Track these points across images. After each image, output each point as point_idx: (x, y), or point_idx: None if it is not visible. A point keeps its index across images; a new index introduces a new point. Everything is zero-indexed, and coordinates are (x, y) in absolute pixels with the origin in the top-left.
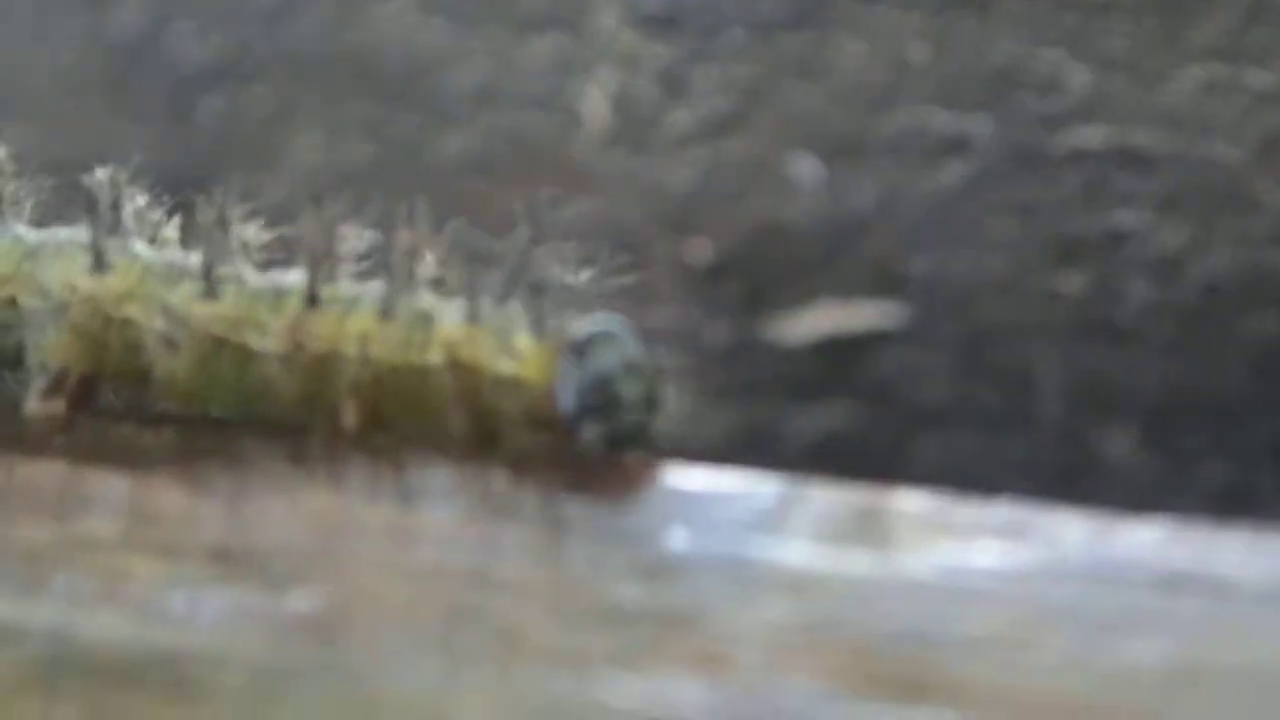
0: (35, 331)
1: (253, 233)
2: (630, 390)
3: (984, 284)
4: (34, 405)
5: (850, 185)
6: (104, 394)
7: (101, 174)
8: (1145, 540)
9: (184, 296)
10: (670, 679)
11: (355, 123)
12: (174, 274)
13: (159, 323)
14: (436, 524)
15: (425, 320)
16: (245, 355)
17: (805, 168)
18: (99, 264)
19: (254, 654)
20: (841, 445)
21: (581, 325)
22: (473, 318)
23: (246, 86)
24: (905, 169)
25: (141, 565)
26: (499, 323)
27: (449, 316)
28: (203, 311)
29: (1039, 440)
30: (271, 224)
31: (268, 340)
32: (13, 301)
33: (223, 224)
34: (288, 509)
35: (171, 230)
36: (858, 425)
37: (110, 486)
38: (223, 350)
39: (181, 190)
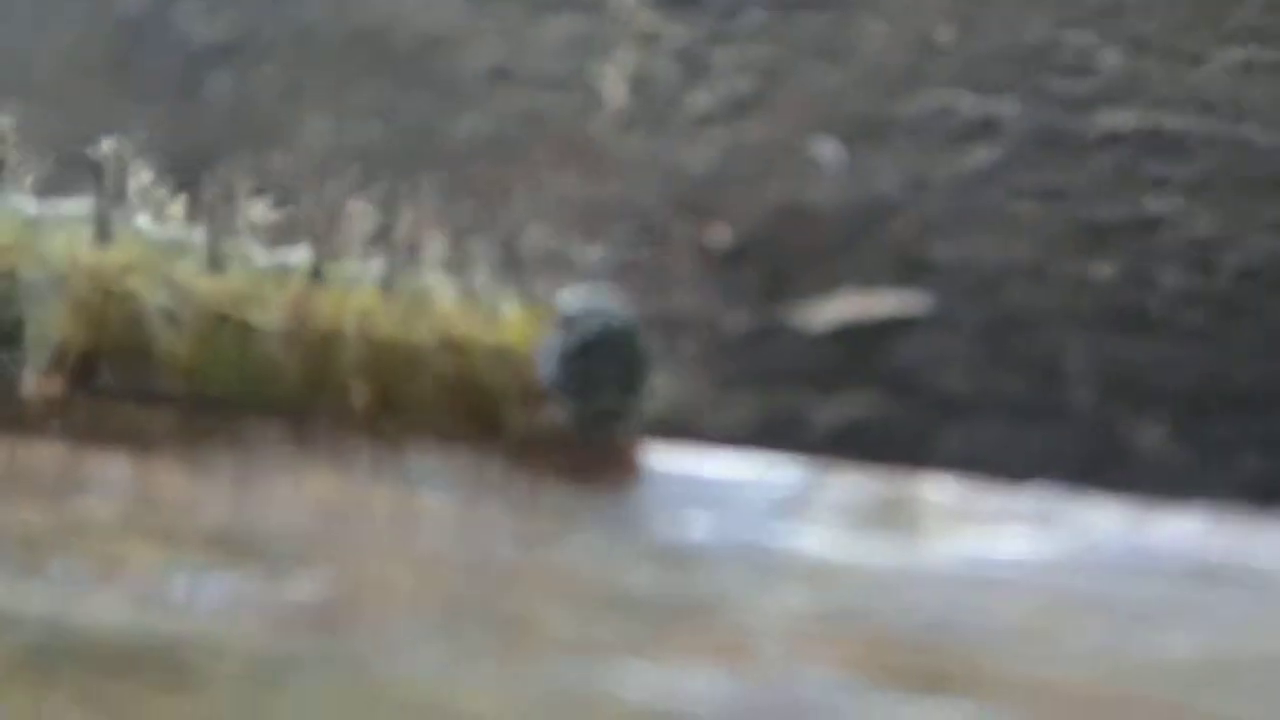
0: (35, 305)
1: (258, 209)
2: (611, 365)
3: (1011, 270)
4: (32, 383)
5: (873, 168)
6: (104, 372)
7: (106, 146)
8: (1178, 530)
9: (187, 271)
10: (685, 669)
11: (366, 102)
12: (178, 249)
13: (161, 297)
14: (442, 509)
15: (422, 298)
16: (247, 332)
17: (827, 150)
18: (102, 236)
19: (254, 642)
20: (864, 434)
21: (569, 297)
22: (467, 293)
23: (255, 65)
24: (930, 152)
25: (140, 550)
26: (493, 297)
27: (445, 293)
28: (206, 287)
29: (1067, 430)
30: (279, 202)
31: (270, 317)
32: (12, 273)
33: (228, 200)
34: (290, 493)
35: (176, 206)
36: (881, 413)
37: (109, 468)
38: (225, 327)
39: (189, 168)
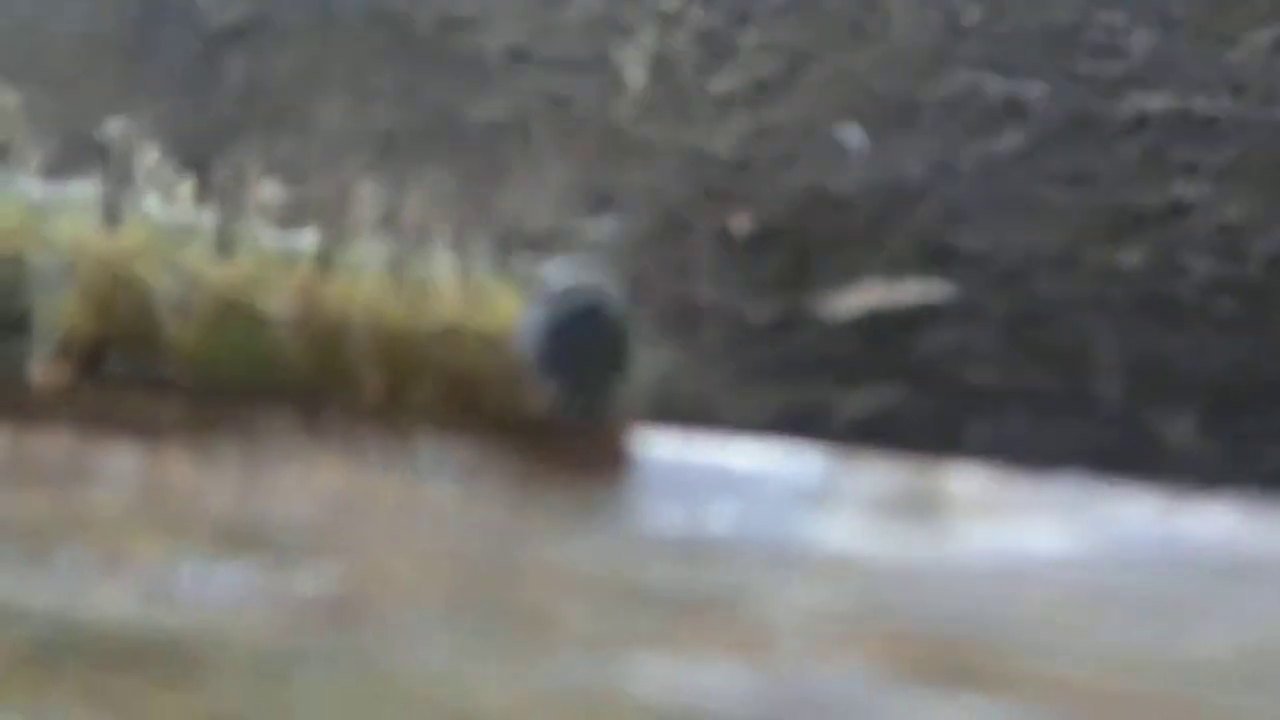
0: (41, 291)
1: (270, 193)
2: (589, 343)
3: (1038, 257)
4: (38, 371)
5: (899, 153)
6: (112, 360)
7: (115, 127)
8: (1209, 523)
9: (195, 257)
10: (703, 664)
11: (384, 85)
12: (186, 233)
13: (169, 283)
14: (454, 500)
15: (423, 283)
16: (255, 320)
17: (852, 135)
18: (110, 220)
19: (262, 635)
20: (888, 424)
21: (552, 272)
22: (466, 277)
23: (272, 47)
24: (957, 136)
25: (146, 541)
26: (493, 282)
27: (445, 278)
28: (214, 273)
29: (1095, 422)
30: (294, 186)
31: (278, 304)
32: (18, 259)
33: (239, 183)
34: (300, 484)
35: (186, 189)
36: (906, 404)
37: (116, 458)
38: (233, 314)
39: (204, 151)
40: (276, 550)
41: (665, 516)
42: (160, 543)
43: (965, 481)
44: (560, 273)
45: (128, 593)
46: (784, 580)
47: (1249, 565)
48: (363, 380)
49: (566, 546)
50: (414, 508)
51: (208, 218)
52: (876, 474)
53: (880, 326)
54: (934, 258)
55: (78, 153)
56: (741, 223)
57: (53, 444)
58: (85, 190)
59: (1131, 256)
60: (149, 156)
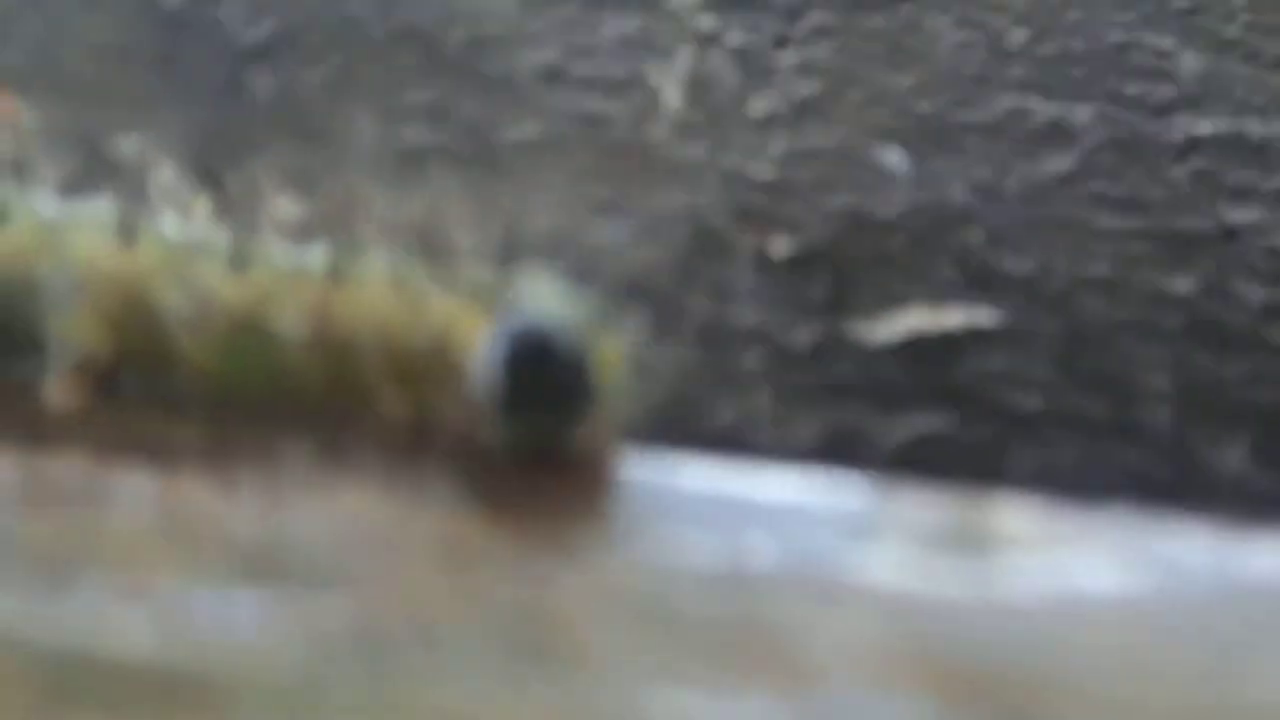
0: (56, 310)
1: (292, 209)
2: (547, 381)
3: (1085, 283)
4: (53, 391)
5: (942, 176)
6: (128, 380)
7: (130, 144)
8: (1268, 556)
9: (209, 274)
10: (746, 700)
11: (414, 103)
12: (201, 250)
13: (182, 301)
14: (484, 525)
15: (419, 299)
16: (269, 337)
17: (893, 157)
18: (124, 238)
19: (286, 664)
20: (931, 452)
21: (519, 291)
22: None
23: (300, 63)
24: (1002, 159)
25: (164, 569)
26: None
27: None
28: (228, 291)
29: (1144, 450)
30: (318, 203)
31: (289, 322)
32: (32, 277)
33: (254, 197)
34: (324, 508)
35: (203, 205)
36: (948, 431)
37: (132, 482)
38: (246, 332)
39: (228, 169)
40: (298, 579)
41: (703, 547)
42: (178, 571)
43: (1014, 513)
44: (525, 300)
45: (145, 623)
46: (827, 615)
47: None
48: (377, 397)
49: (599, 576)
50: (438, 535)
51: (225, 234)
52: (922, 505)
53: (923, 352)
54: (978, 282)
55: (98, 169)
56: (780, 246)
57: (67, 467)
58: (101, 207)
59: (1181, 282)
60: (166, 173)
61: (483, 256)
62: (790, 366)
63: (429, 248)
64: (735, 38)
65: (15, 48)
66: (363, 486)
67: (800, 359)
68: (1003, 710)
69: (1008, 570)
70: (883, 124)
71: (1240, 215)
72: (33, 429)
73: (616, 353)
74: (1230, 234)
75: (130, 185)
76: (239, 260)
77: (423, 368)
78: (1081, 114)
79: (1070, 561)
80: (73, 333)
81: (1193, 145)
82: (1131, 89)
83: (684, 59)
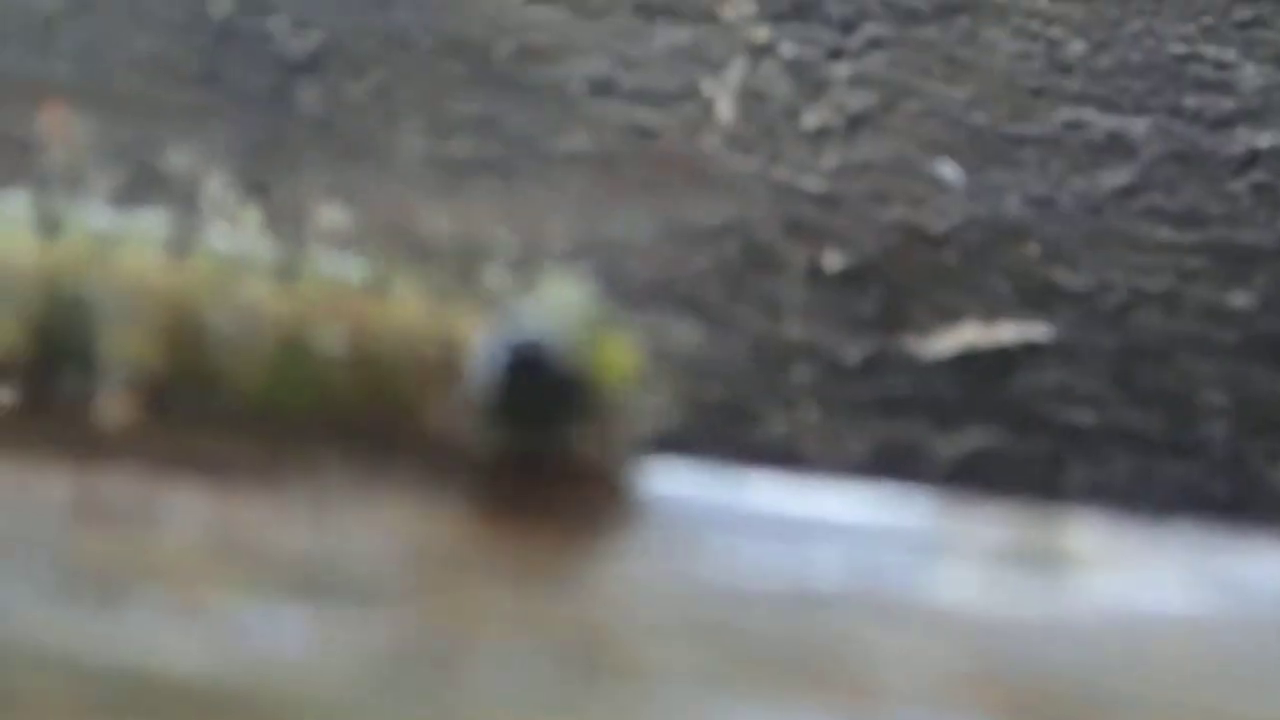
0: (107, 325)
1: (340, 221)
2: (536, 392)
3: (1142, 297)
4: (105, 408)
5: (997, 190)
6: (179, 396)
7: (178, 155)
8: None
9: (256, 289)
10: (806, 718)
11: (463, 114)
12: (249, 264)
13: (229, 318)
14: (540, 539)
15: (454, 311)
16: (312, 355)
17: (948, 170)
18: (174, 253)
19: (337, 681)
20: (986, 467)
21: (531, 297)
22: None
23: (348, 75)
24: (1058, 173)
25: (217, 585)
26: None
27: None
28: (274, 306)
29: (1201, 466)
30: (364, 214)
31: (332, 338)
32: (83, 292)
33: (303, 210)
34: (373, 524)
35: (251, 218)
36: (1003, 447)
37: (185, 499)
38: (290, 348)
39: (276, 181)
40: (349, 595)
41: (765, 563)
42: (229, 588)
43: (1080, 531)
44: (529, 307)
45: (196, 641)
46: (891, 633)
47: None
48: (416, 411)
49: (658, 593)
50: (492, 550)
51: (273, 247)
52: (987, 522)
53: (977, 367)
54: (1033, 297)
55: (146, 180)
56: (832, 259)
57: (118, 484)
58: (152, 220)
59: (1240, 296)
60: (214, 184)
61: (525, 267)
62: (842, 381)
63: (471, 258)
64: (789, 49)
65: (63, 59)
66: (409, 501)
67: (852, 374)
68: None
69: (1074, 589)
70: (937, 136)
71: None
72: (84, 446)
73: (626, 360)
74: None
75: (179, 197)
76: (286, 274)
77: (453, 380)
78: (1140, 127)
79: (1137, 580)
80: (124, 349)
81: (1252, 158)
82: (1191, 101)
83: (737, 70)
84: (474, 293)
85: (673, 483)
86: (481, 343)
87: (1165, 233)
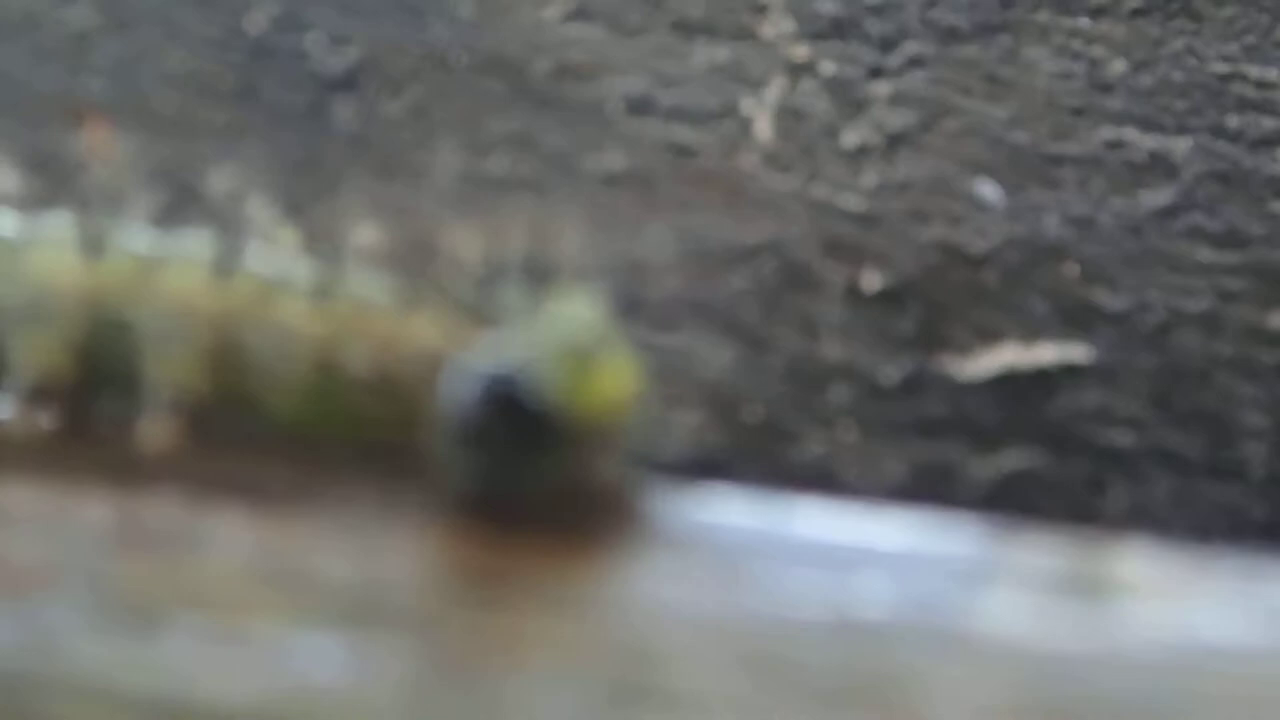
0: (150, 348)
1: (371, 238)
2: (506, 425)
3: (1182, 318)
4: (146, 431)
5: (1037, 209)
6: (220, 419)
7: (215, 174)
8: None
9: (296, 312)
10: None
11: (500, 133)
12: (290, 286)
13: (271, 340)
14: (588, 565)
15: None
16: (348, 376)
17: (987, 190)
18: (217, 275)
19: (381, 708)
20: (1024, 490)
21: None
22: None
23: (384, 93)
24: (1098, 193)
25: (261, 611)
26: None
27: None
28: (311, 328)
29: (1241, 489)
30: (401, 233)
31: (361, 361)
32: (125, 315)
33: (340, 229)
34: (415, 550)
35: (289, 237)
36: (1042, 469)
37: (228, 524)
38: (329, 371)
39: (313, 200)
40: (393, 621)
41: (811, 592)
42: (273, 614)
43: (1132, 559)
44: (500, 341)
45: (239, 667)
46: (941, 663)
47: None
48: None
49: (700, 620)
50: (536, 576)
51: (311, 267)
52: (1036, 549)
53: (1016, 388)
54: (1073, 317)
55: (182, 199)
56: (871, 279)
57: (161, 509)
58: (194, 241)
59: None
60: (251, 203)
61: (557, 286)
62: (880, 402)
63: (502, 277)
64: (828, 67)
65: (98, 77)
66: (445, 525)
67: (890, 394)
68: None
69: (1127, 619)
70: (977, 156)
71: None
72: (126, 470)
73: (622, 383)
74: None
75: (216, 216)
76: (324, 295)
77: None
78: (1181, 146)
79: (1188, 609)
80: (167, 372)
81: None
82: (1232, 121)
83: (776, 89)
84: (496, 312)
85: (715, 509)
86: (454, 370)
87: (1206, 253)
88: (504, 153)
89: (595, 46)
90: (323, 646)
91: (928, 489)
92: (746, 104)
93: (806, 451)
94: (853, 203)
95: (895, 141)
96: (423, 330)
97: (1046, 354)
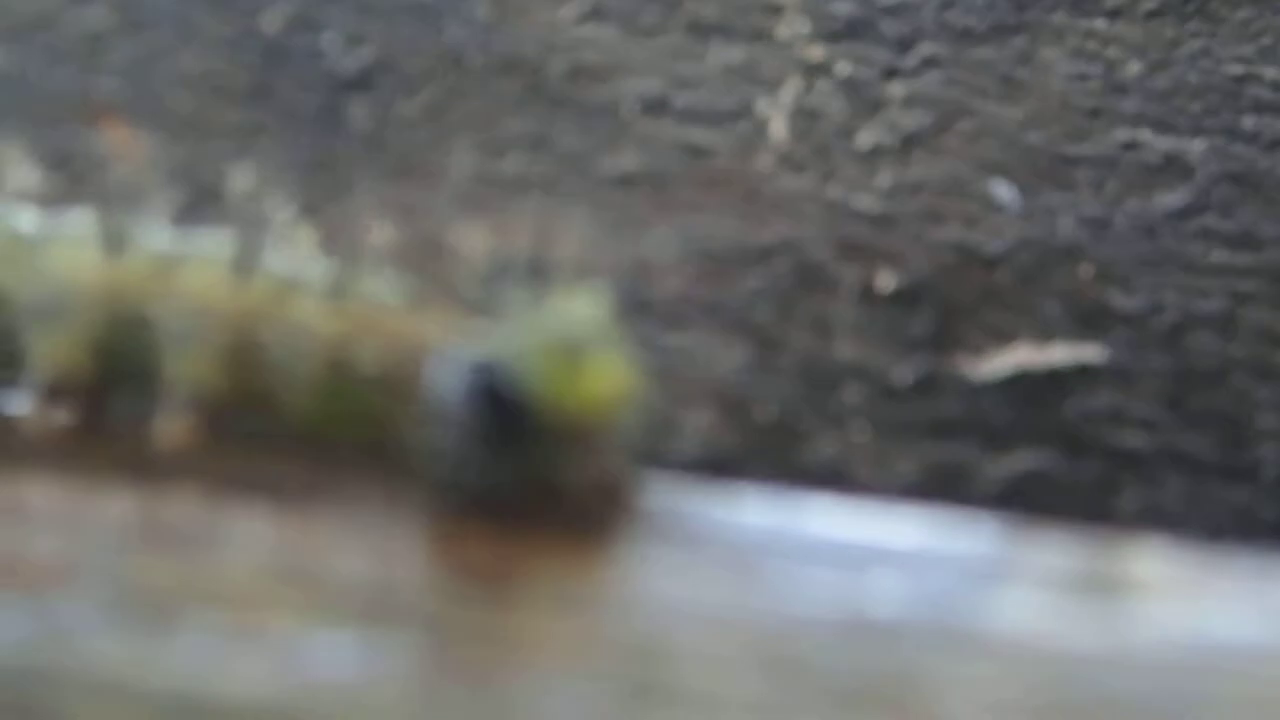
0: (170, 347)
1: (387, 238)
2: (487, 422)
3: (1197, 319)
4: (164, 429)
5: (1052, 211)
6: (237, 417)
7: (240, 179)
8: None
9: (312, 313)
10: None
11: (514, 133)
12: (307, 286)
13: (288, 339)
14: (600, 563)
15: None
16: (362, 375)
17: (1002, 191)
18: (235, 274)
19: (398, 707)
20: (1037, 491)
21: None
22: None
23: (400, 93)
24: (1113, 194)
25: (279, 609)
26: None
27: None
28: (328, 327)
29: (1255, 490)
30: (418, 235)
31: (372, 361)
32: (143, 314)
33: (355, 229)
34: (433, 548)
35: (306, 236)
36: (1055, 470)
37: (246, 522)
38: (344, 372)
39: (328, 200)
40: (410, 621)
41: (824, 591)
42: (291, 612)
43: (1146, 558)
44: (487, 339)
45: (257, 665)
46: (955, 662)
47: None
48: None
49: (713, 619)
50: (555, 577)
51: (329, 267)
52: (1048, 549)
53: (1028, 389)
54: (1086, 318)
55: (198, 198)
56: (886, 280)
57: (179, 507)
58: (212, 239)
59: None
60: (273, 205)
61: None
62: (893, 402)
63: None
64: (844, 68)
65: (114, 77)
66: (457, 523)
67: (903, 395)
68: None
69: (1140, 618)
70: (992, 157)
71: None
72: (143, 467)
73: (614, 381)
74: None
75: (233, 215)
76: (340, 295)
77: None
78: (1196, 148)
79: (1203, 609)
80: (186, 369)
81: None
82: (1248, 123)
83: (791, 89)
84: (505, 310)
85: (728, 508)
86: (437, 359)
87: (1221, 254)
88: (519, 153)
89: (610, 47)
90: (337, 644)
91: (941, 489)
92: (761, 105)
93: (820, 451)
94: (867, 203)
95: (910, 142)
96: (437, 330)
97: (1060, 354)
